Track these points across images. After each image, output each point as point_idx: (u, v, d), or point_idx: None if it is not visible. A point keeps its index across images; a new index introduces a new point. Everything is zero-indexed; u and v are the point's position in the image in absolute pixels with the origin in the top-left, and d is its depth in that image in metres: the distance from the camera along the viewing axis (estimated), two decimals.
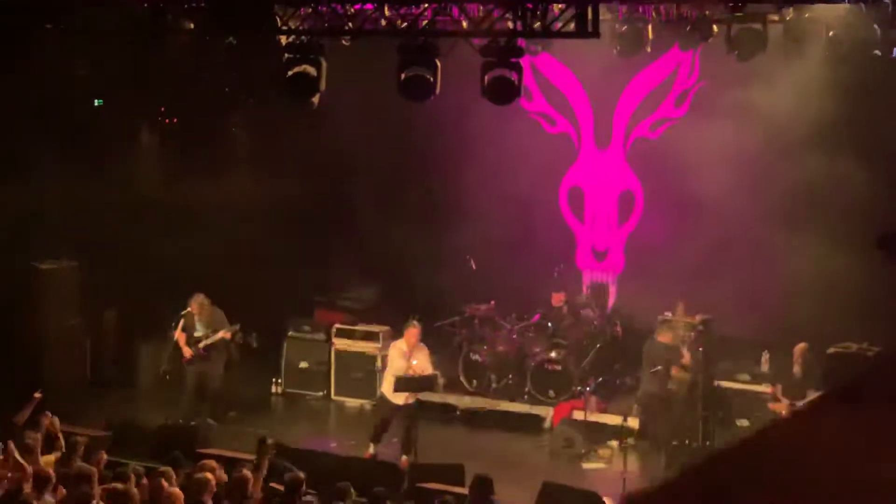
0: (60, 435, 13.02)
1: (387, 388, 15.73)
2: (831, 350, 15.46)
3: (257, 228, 19.45)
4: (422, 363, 15.58)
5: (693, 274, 17.02)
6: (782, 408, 15.55)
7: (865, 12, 13.47)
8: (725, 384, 16.46)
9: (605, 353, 17.71)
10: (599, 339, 17.69)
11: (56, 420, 13.26)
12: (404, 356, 15.58)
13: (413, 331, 15.70)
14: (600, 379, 17.59)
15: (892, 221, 14.18)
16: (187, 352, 16.72)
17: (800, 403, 15.29)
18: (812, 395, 15.18)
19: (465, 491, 13.06)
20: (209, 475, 12.02)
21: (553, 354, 17.44)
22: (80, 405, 17.10)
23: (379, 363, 17.59)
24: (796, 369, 15.60)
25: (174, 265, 18.05)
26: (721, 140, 17.26)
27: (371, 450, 15.71)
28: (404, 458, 15.54)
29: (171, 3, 14.53)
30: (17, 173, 17.47)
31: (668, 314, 16.79)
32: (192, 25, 14.72)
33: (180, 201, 18.95)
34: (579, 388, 17.20)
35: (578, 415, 16.63)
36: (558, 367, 17.37)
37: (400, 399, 15.62)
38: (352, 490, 12.26)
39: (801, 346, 15.59)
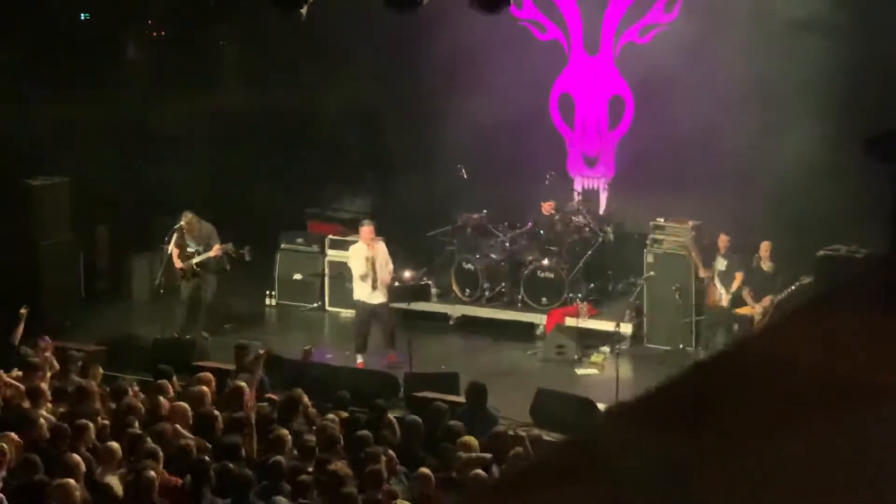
0: (50, 355, 13.02)
1: (357, 291, 16.10)
2: (821, 253, 15.51)
3: (248, 141, 19.42)
4: (380, 258, 15.88)
5: (683, 179, 17.01)
6: (750, 310, 15.65)
7: None
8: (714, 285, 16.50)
9: (597, 259, 17.75)
10: (591, 246, 17.71)
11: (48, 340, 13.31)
12: (364, 256, 15.94)
13: (365, 229, 16.09)
14: (592, 285, 17.65)
15: (881, 123, 14.11)
16: (180, 265, 16.76)
17: (767, 302, 15.41)
18: (778, 295, 15.31)
19: (460, 399, 13.17)
20: (205, 388, 12.12)
21: (545, 262, 17.48)
22: (75, 320, 17.18)
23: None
24: (763, 266, 15.70)
25: (165, 180, 18.03)
26: (711, 44, 17.18)
27: (360, 359, 15.89)
28: (391, 353, 15.85)
29: None
30: (5, 91, 17.40)
31: (660, 219, 16.82)
32: None
33: (170, 115, 18.89)
34: (571, 294, 17.26)
35: (571, 321, 16.72)
36: (550, 275, 17.42)
37: (374, 299, 15.90)
38: (348, 398, 12.37)
39: (765, 243, 15.67)
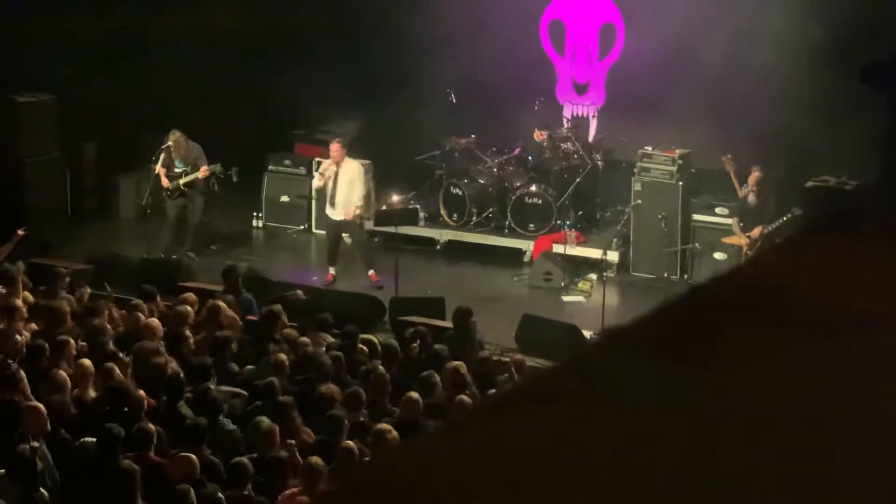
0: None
1: (326, 206, 16.32)
2: (809, 184, 15.52)
3: (236, 61, 19.28)
4: (347, 177, 16.07)
5: (674, 107, 16.94)
6: (738, 240, 15.69)
7: None
8: (701, 217, 16.55)
9: (586, 187, 17.74)
10: (580, 173, 17.69)
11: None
12: (320, 172, 16.30)
13: (332, 146, 16.27)
14: (580, 212, 17.66)
15: (876, 52, 14.06)
16: (167, 184, 16.72)
17: (756, 233, 15.43)
18: (770, 224, 15.33)
19: (446, 323, 13.21)
20: (188, 307, 12.16)
21: (533, 188, 17.47)
22: (61, 237, 17.16)
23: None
24: (751, 198, 15.70)
25: (154, 98, 17.94)
26: None
27: (332, 271, 16.15)
28: (371, 273, 16.05)
29: None
30: None
31: (648, 148, 16.80)
32: None
33: (158, 32, 18.75)
34: (559, 221, 17.27)
35: (558, 248, 16.75)
36: (538, 201, 17.41)
37: (335, 215, 16.13)
38: (331, 321, 12.40)
39: (755, 174, 15.65)
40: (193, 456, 8.83)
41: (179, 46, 18.45)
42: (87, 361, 10.44)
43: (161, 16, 18.93)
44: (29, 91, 17.42)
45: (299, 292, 13.88)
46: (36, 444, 8.80)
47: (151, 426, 9.19)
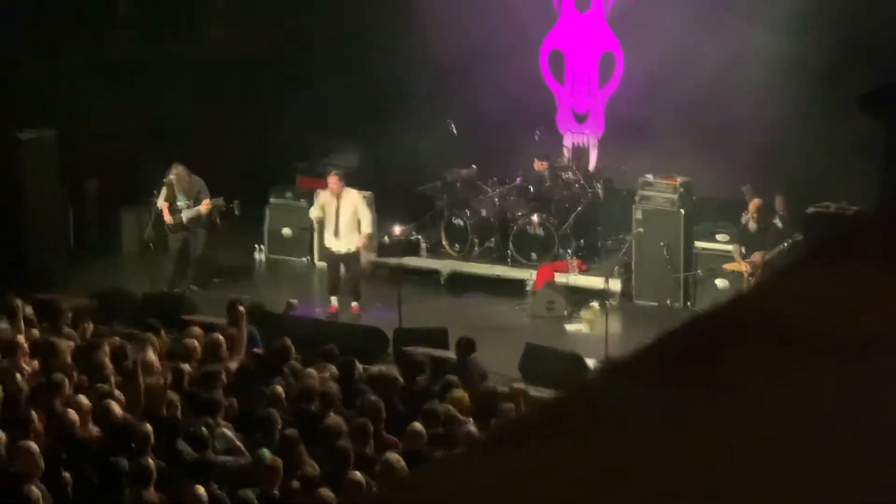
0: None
1: (326, 238, 16.34)
2: (810, 210, 15.55)
3: (237, 93, 19.33)
4: (347, 208, 16.05)
5: (674, 134, 16.99)
6: (740, 267, 15.69)
7: None
8: (703, 245, 16.56)
9: (587, 216, 17.76)
10: (581, 202, 17.72)
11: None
12: (320, 204, 16.29)
13: (329, 178, 16.28)
14: (581, 241, 17.66)
15: (874, 80, 14.13)
16: (169, 219, 16.74)
17: (757, 260, 15.44)
18: (769, 251, 15.34)
19: (449, 354, 13.21)
20: (195, 341, 12.16)
21: (535, 217, 17.49)
22: (64, 273, 17.16)
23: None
24: (752, 225, 15.72)
25: (153, 132, 17.98)
26: (702, 2, 17.15)
27: (334, 302, 16.18)
28: (353, 304, 16.16)
29: None
30: None
31: (649, 176, 16.83)
32: None
33: (158, 64, 18.80)
34: (561, 250, 17.29)
35: (561, 277, 16.76)
36: (540, 230, 17.44)
37: (336, 246, 16.12)
38: (336, 352, 12.40)
39: (755, 201, 15.67)
40: (202, 489, 8.81)
41: (180, 79, 18.49)
42: (84, 398, 10.41)
43: (161, 47, 18.99)
44: (31, 127, 17.44)
45: (293, 301, 14.04)
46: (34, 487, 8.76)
47: (151, 461, 9.17)
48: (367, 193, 17.31)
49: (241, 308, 12.95)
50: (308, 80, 19.03)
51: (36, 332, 12.66)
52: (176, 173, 16.68)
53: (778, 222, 15.70)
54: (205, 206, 16.62)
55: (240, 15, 20.13)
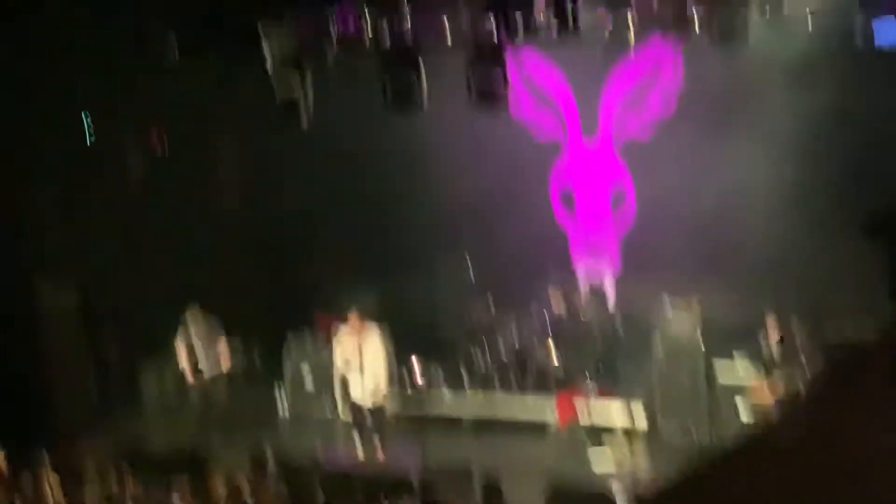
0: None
1: (350, 378, 16.09)
2: (828, 331, 15.52)
3: (252, 242, 19.49)
4: (370, 346, 15.93)
5: (689, 266, 17.08)
6: (762, 393, 15.62)
7: None
8: (724, 371, 16.51)
9: (606, 344, 17.77)
10: (598, 331, 17.75)
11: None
12: (343, 345, 16.02)
13: (352, 316, 16.05)
14: (601, 372, 17.63)
15: (878, 204, 14.24)
16: (190, 369, 16.78)
17: (780, 385, 15.38)
18: (794, 376, 15.28)
19: (476, 501, 13.13)
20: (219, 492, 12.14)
21: (553, 348, 17.51)
22: (87, 428, 17.16)
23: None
24: (773, 350, 15.69)
25: (173, 283, 18.10)
26: (709, 134, 17.36)
27: (359, 451, 16.06)
28: (378, 448, 15.96)
29: (157, 26, 14.59)
30: (8, 189, 17.50)
31: (668, 303, 16.86)
32: (177, 49, 14.78)
33: (174, 219, 18.99)
34: (580, 379, 17.27)
35: (582, 407, 16.71)
36: (558, 361, 17.45)
37: (366, 389, 16.01)
38: None
39: (776, 325, 15.66)
40: None
41: (198, 234, 18.67)
42: None
43: (177, 200, 19.21)
44: (49, 277, 17.56)
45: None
46: None
47: None
48: (384, 328, 17.34)
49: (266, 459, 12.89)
50: (324, 222, 19.21)
51: (59, 487, 12.66)
52: (193, 316, 16.77)
53: (797, 345, 15.68)
54: (225, 361, 16.66)
55: (255, 171, 20.36)
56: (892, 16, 13.27)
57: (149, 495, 12.60)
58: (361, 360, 16.03)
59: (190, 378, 16.70)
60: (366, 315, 16.28)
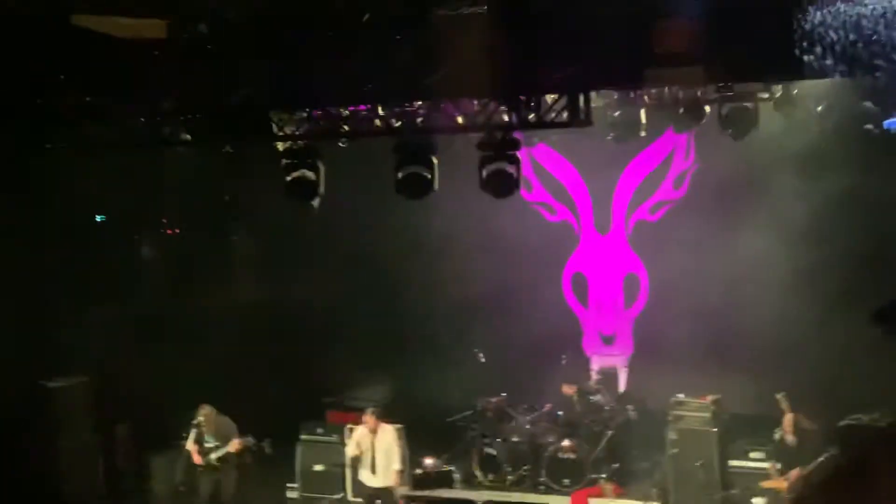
0: None
1: (361, 474, 16.22)
2: (843, 423, 15.42)
3: (264, 333, 19.47)
4: (382, 445, 15.98)
5: (702, 353, 17.02)
6: (777, 484, 15.46)
7: (853, 86, 13.61)
8: (738, 463, 16.39)
9: (620, 438, 17.64)
10: (612, 425, 17.63)
11: None
12: (356, 441, 16.15)
13: (365, 416, 16.14)
14: (616, 465, 17.49)
15: (886, 295, 14.19)
16: (199, 460, 16.66)
17: (794, 476, 15.21)
18: (808, 466, 15.12)
19: None
20: None
21: (566, 443, 17.38)
22: None
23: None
24: (788, 439, 15.54)
25: (183, 375, 18.04)
26: (721, 219, 17.38)
27: None
28: None
29: (168, 115, 14.66)
30: (22, 292, 17.53)
31: (681, 395, 16.76)
32: (189, 136, 14.84)
33: (186, 310, 19.00)
34: (594, 475, 17.12)
35: (596, 502, 16.55)
36: (572, 456, 17.30)
37: (372, 482, 15.94)
38: None
39: (789, 415, 15.52)
40: None
41: (206, 321, 18.66)
42: None
43: (188, 293, 19.21)
44: (62, 376, 17.55)
45: None
46: None
47: None
48: (400, 427, 17.26)
49: None
50: (334, 316, 19.19)
51: None
52: (204, 414, 16.65)
53: (811, 435, 15.55)
54: (234, 445, 16.54)
55: (265, 264, 20.39)
56: None
57: None
58: (374, 456, 15.96)
59: (197, 459, 16.53)
60: (381, 414, 16.24)
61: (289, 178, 14.84)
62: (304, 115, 14.59)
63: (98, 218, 19.22)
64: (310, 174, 14.80)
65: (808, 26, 12.38)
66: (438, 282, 18.83)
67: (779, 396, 15.73)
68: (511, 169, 14.23)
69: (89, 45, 13.67)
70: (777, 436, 15.78)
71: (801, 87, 14.87)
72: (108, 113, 14.53)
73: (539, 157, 19.62)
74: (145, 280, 19.82)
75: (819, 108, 14.76)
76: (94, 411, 17.84)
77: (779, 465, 15.60)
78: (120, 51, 13.59)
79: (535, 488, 17.54)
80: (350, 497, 18.14)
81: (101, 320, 18.13)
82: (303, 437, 18.65)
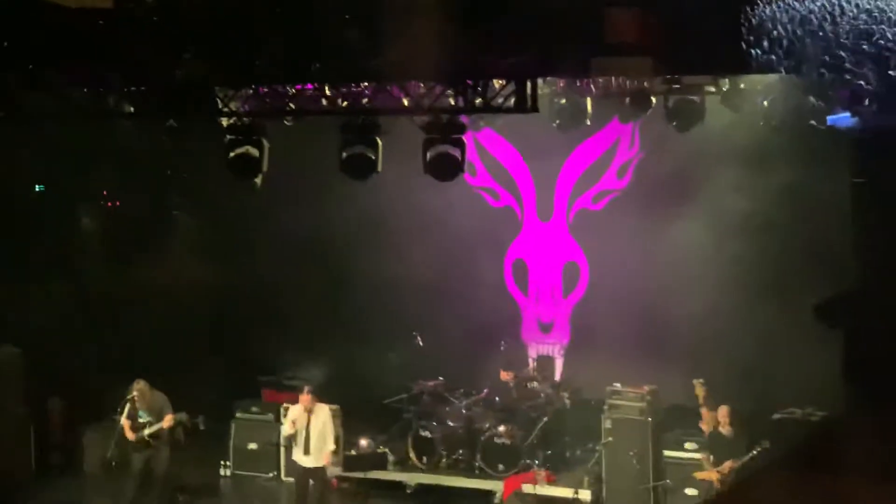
0: None
1: (295, 453, 15.97)
2: (776, 416, 15.53)
3: (202, 310, 19.37)
4: (318, 425, 15.83)
5: (639, 343, 17.09)
6: (709, 475, 15.55)
7: (799, 82, 13.70)
8: (672, 453, 16.47)
9: (554, 426, 17.68)
10: (548, 412, 17.66)
11: None
12: (291, 420, 15.93)
13: (301, 395, 15.94)
14: (549, 451, 17.54)
15: (828, 289, 14.30)
16: (132, 436, 16.53)
17: (727, 468, 15.31)
18: (741, 458, 15.22)
19: None
20: None
21: (501, 428, 17.40)
22: (27, 494, 16.89)
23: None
24: (722, 431, 15.62)
25: (118, 350, 17.91)
26: (663, 210, 17.44)
27: None
28: None
29: (111, 87, 14.53)
30: None
31: (618, 385, 16.81)
32: (132, 109, 14.71)
33: (123, 286, 18.85)
34: (528, 461, 17.16)
35: (528, 488, 16.58)
36: (507, 441, 17.32)
37: (311, 462, 15.77)
38: None
39: (724, 407, 15.59)
40: None
41: (144, 297, 18.54)
42: None
43: (126, 269, 19.06)
44: None
45: None
46: None
47: None
48: (336, 407, 17.20)
49: None
50: (273, 296, 19.11)
51: None
52: (138, 389, 16.49)
53: (743, 425, 15.63)
54: (167, 421, 16.41)
55: (205, 240, 20.27)
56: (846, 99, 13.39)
57: None
58: (308, 436, 15.88)
59: (129, 435, 16.39)
60: (318, 393, 16.16)
61: (232, 155, 14.75)
62: (250, 91, 14.49)
63: (37, 188, 19.04)
64: (253, 151, 14.72)
65: (756, 21, 12.45)
66: (379, 263, 18.77)
67: (696, 382, 15.80)
68: (455, 152, 14.22)
69: (33, 14, 13.53)
70: (704, 427, 15.82)
71: (747, 82, 14.94)
72: (51, 83, 14.39)
73: (484, 142, 19.60)
74: (83, 252, 19.65)
75: (765, 103, 14.84)
76: (26, 383, 17.66)
77: (712, 457, 15.69)
78: (65, 20, 13.46)
79: (469, 472, 17.55)
80: (283, 476, 18.10)
81: (37, 292, 17.97)
82: (238, 415, 18.61)
